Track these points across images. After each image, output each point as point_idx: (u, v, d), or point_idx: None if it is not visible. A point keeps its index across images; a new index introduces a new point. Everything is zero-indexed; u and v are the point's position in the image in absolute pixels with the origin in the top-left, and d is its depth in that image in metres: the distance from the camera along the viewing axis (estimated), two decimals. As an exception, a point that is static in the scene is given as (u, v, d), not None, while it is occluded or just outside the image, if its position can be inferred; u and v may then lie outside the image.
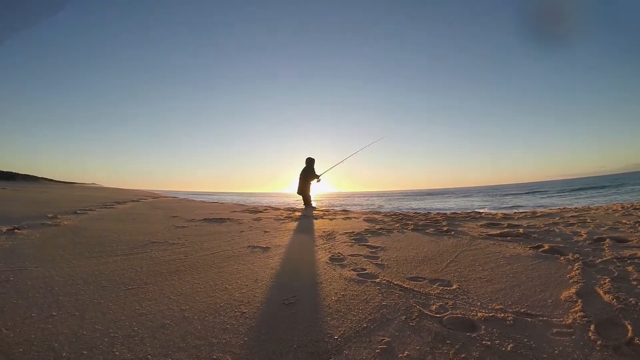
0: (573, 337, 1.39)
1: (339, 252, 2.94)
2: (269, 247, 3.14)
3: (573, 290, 1.89)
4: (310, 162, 9.73)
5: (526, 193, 30.05)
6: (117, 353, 1.22)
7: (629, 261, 2.43)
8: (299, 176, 9.80)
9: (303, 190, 9.70)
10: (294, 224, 4.97)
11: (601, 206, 7.82)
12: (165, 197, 17.98)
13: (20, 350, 1.20)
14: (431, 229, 4.25)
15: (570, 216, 5.43)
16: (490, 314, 1.60)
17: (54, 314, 1.52)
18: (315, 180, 9.68)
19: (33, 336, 1.31)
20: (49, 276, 2.03)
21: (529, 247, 3.00)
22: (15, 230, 3.27)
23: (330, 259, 2.73)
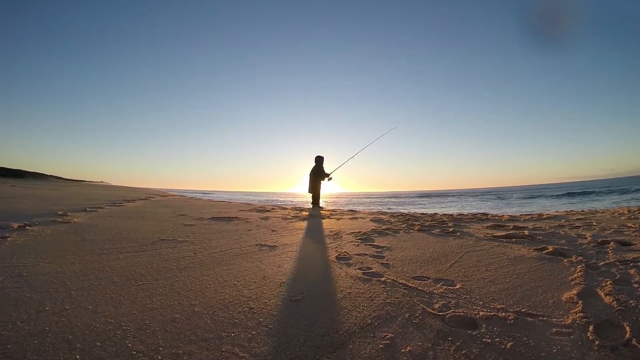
0: (572, 337, 1.41)
1: (345, 252, 2.97)
2: (277, 246, 3.17)
3: (574, 291, 1.91)
4: (319, 160, 9.73)
5: (534, 196, 29.84)
6: (130, 345, 1.25)
7: (631, 264, 2.44)
8: (309, 175, 9.82)
9: (314, 189, 9.72)
10: (301, 224, 4.99)
11: (608, 209, 7.77)
12: (173, 195, 18.08)
13: (36, 342, 1.23)
14: (437, 230, 4.27)
15: (576, 219, 5.41)
16: (492, 313, 1.63)
17: (67, 307, 1.55)
18: (326, 179, 9.69)
19: (47, 328, 1.34)
20: (61, 271, 2.06)
21: (533, 249, 3.01)
22: (27, 227, 3.30)
23: (337, 257, 2.76)
